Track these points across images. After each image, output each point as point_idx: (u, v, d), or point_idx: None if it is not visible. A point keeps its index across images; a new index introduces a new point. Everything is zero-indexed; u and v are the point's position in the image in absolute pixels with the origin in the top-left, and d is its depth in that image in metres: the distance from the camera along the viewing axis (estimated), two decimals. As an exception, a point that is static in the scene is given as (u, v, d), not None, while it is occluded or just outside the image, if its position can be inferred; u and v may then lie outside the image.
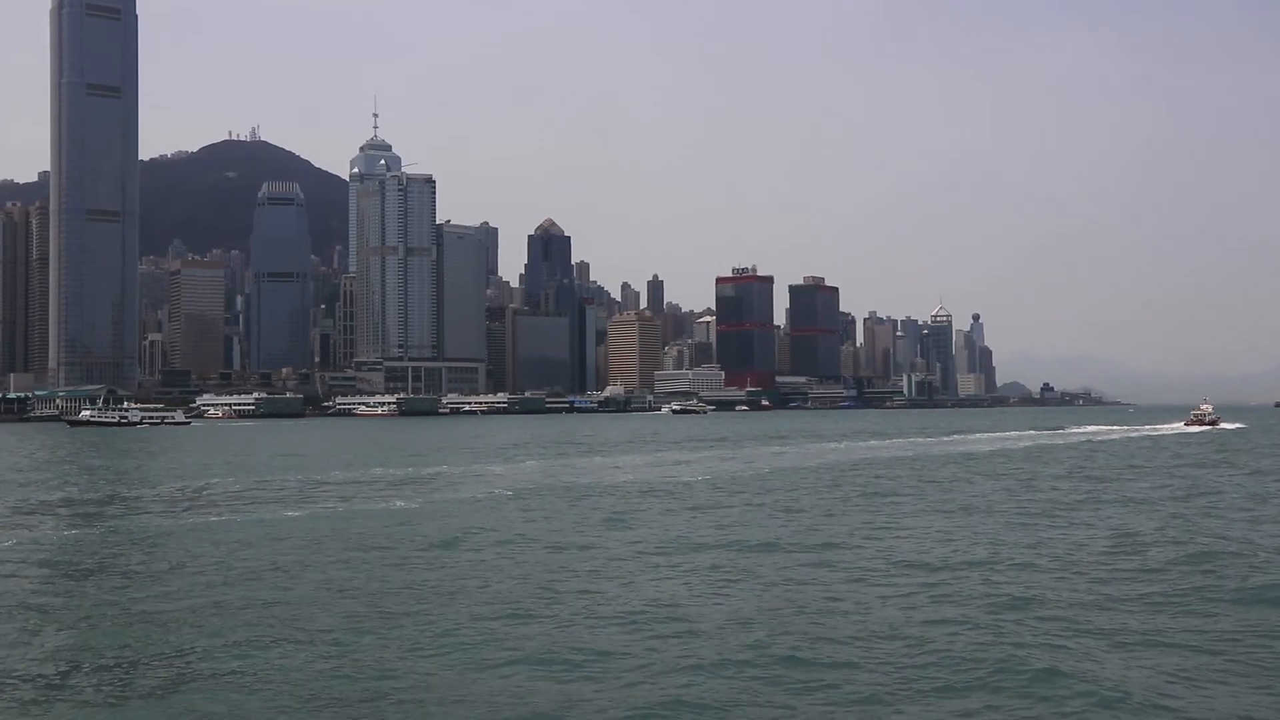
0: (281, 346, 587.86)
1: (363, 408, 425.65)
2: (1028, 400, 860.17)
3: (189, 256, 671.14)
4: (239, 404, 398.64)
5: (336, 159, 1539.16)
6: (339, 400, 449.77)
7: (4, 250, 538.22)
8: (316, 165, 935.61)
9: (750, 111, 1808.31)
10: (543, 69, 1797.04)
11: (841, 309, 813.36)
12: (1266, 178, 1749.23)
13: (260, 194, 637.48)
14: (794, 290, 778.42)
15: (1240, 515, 48.94)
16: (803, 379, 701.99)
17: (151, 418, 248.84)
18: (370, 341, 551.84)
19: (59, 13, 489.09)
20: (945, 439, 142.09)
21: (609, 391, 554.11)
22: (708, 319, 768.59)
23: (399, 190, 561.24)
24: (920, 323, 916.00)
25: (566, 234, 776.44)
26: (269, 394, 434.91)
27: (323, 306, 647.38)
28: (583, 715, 19.43)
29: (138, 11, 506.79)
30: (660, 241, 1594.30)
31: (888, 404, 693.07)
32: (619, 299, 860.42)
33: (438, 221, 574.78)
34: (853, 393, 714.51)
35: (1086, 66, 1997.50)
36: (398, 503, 56.28)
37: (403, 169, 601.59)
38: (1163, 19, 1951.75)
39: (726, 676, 21.58)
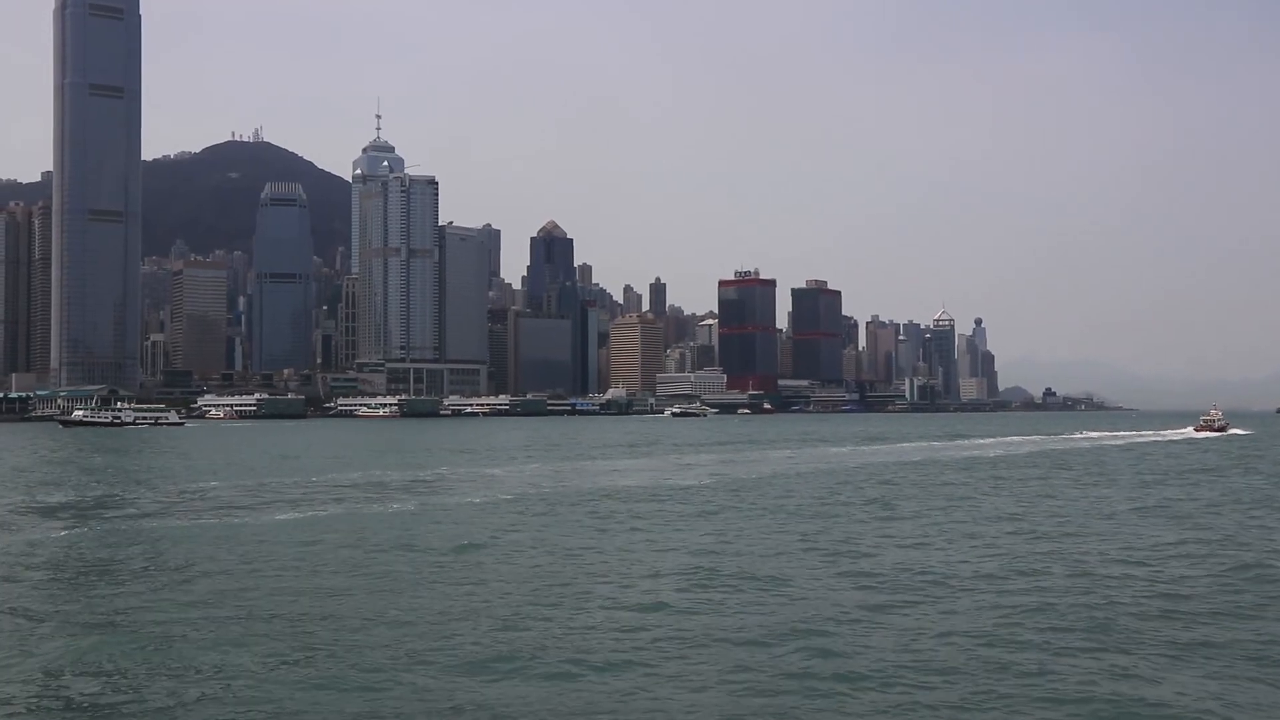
0: (283, 347, 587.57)
1: (364, 409, 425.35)
2: (1029, 405, 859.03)
3: (191, 257, 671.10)
4: (240, 405, 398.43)
5: (339, 160, 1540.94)
6: (340, 401, 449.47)
7: (6, 250, 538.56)
8: (319, 166, 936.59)
9: (753, 114, 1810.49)
10: (545, 71, 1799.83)
11: (844, 312, 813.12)
12: (1268, 181, 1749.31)
13: (263, 195, 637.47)
14: (796, 293, 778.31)
15: None
16: (805, 382, 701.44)
17: (145, 418, 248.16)
18: (372, 343, 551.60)
19: (62, 13, 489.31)
20: (963, 442, 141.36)
21: (611, 394, 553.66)
22: (710, 322, 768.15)
23: (401, 191, 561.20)
24: (922, 326, 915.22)
25: (569, 236, 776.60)
26: (270, 395, 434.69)
27: (325, 307, 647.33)
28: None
29: (140, 11, 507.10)
30: (663, 244, 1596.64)
31: (890, 408, 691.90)
32: (621, 301, 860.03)
33: (440, 223, 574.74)
34: (855, 396, 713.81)
35: (1088, 70, 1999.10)
36: (393, 506, 55.54)
37: (405, 170, 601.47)
38: (1165, 23, 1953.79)
39: (723, 685, 20.81)
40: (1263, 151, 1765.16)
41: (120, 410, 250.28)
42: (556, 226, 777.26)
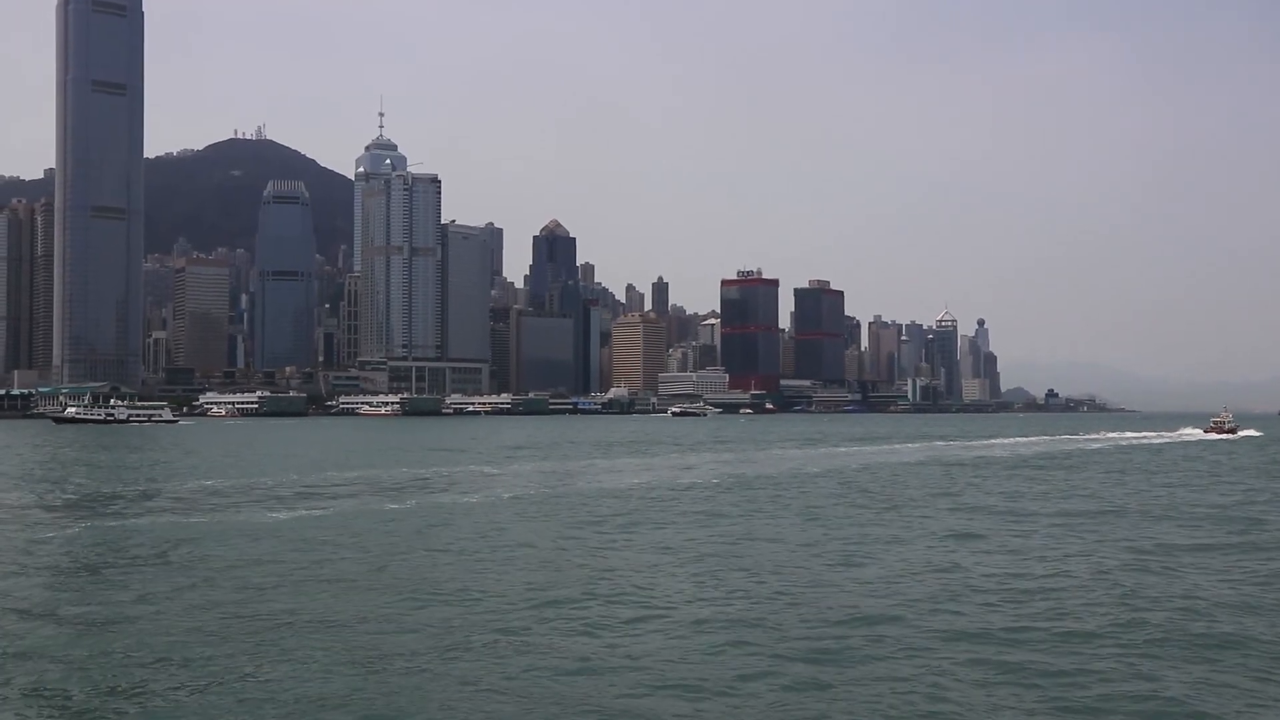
0: (285, 345, 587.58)
1: (366, 407, 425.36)
2: (1031, 406, 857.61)
3: (193, 254, 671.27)
4: (242, 402, 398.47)
5: (342, 158, 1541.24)
6: (342, 399, 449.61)
7: (9, 247, 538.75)
8: (322, 164, 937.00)
9: (756, 114, 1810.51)
10: (548, 70, 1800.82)
11: (846, 313, 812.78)
12: (1269, 182, 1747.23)
13: (265, 192, 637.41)
14: (799, 293, 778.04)
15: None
16: (807, 382, 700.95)
17: (138, 416, 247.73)
18: (374, 341, 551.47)
19: (65, 9, 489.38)
20: (984, 443, 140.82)
21: (613, 393, 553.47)
22: (712, 321, 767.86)
23: (404, 190, 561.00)
24: (925, 327, 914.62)
25: (571, 235, 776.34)
26: (272, 393, 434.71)
27: (327, 306, 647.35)
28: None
29: (144, 9, 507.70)
30: (665, 244, 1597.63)
31: (892, 408, 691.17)
32: (623, 301, 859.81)
33: (443, 221, 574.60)
34: (857, 397, 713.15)
35: (1091, 72, 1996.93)
36: (391, 505, 55.00)
37: (408, 169, 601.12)
38: (1167, 26, 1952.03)
39: (721, 686, 20.24)
40: (1264, 152, 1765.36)
41: (114, 408, 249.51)
42: (559, 225, 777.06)
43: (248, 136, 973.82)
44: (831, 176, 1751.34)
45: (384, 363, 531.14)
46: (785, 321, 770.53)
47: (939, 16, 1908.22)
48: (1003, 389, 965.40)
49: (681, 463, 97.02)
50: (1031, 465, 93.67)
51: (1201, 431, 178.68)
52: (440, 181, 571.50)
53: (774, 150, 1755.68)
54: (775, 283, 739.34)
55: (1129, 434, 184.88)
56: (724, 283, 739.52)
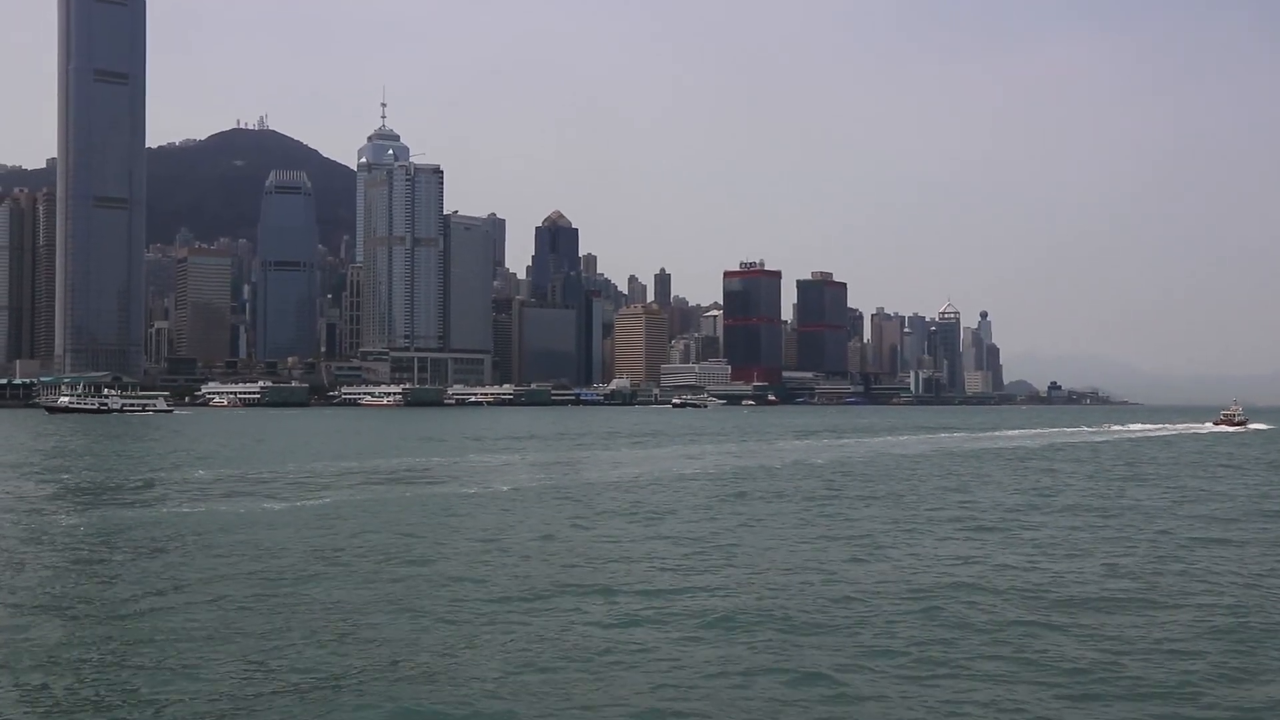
0: (288, 335, 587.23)
1: (368, 398, 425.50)
2: (1034, 399, 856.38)
3: (196, 244, 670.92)
4: (244, 392, 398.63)
5: (344, 148, 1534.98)
6: (344, 390, 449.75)
7: (11, 237, 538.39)
8: (324, 154, 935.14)
9: (759, 106, 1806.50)
10: (551, 62, 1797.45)
11: (849, 305, 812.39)
12: (1270, 179, 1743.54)
13: (268, 183, 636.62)
14: (802, 285, 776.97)
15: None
16: (809, 374, 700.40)
17: (132, 405, 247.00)
18: (376, 331, 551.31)
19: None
20: (995, 434, 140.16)
21: (615, 384, 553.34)
22: (715, 313, 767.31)
23: (406, 180, 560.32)
24: (928, 319, 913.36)
25: (574, 226, 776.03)
26: (274, 383, 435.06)
27: (329, 296, 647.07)
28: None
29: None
30: (668, 235, 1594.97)
31: (894, 400, 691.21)
32: (626, 292, 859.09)
33: (445, 212, 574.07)
34: (859, 389, 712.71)
35: (1094, 68, 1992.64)
36: (390, 495, 54.37)
37: (410, 159, 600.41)
38: (1170, 23, 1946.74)
39: (723, 679, 19.46)
40: (1265, 150, 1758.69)
41: (107, 397, 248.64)
42: (561, 216, 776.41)
43: (250, 127, 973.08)
44: (833, 173, 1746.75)
45: (386, 353, 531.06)
46: (788, 313, 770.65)
47: (943, 13, 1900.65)
48: (1005, 381, 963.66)
49: (684, 454, 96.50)
50: (1040, 457, 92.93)
51: (1211, 424, 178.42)
52: (442, 172, 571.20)
53: (775, 147, 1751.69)
54: (778, 274, 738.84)
55: (1134, 426, 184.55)
56: (726, 274, 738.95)
